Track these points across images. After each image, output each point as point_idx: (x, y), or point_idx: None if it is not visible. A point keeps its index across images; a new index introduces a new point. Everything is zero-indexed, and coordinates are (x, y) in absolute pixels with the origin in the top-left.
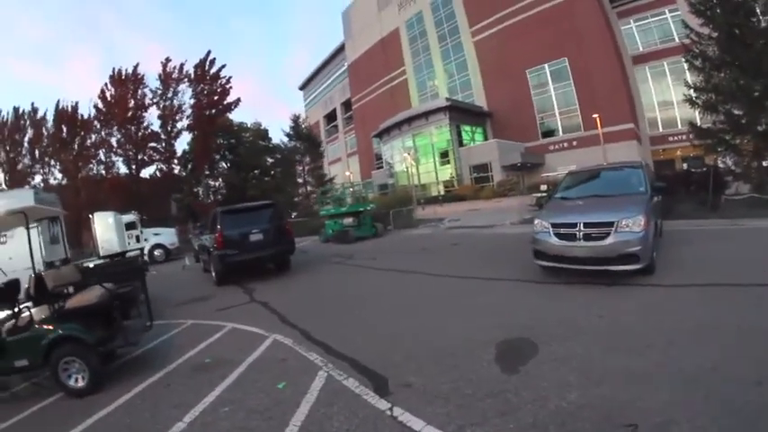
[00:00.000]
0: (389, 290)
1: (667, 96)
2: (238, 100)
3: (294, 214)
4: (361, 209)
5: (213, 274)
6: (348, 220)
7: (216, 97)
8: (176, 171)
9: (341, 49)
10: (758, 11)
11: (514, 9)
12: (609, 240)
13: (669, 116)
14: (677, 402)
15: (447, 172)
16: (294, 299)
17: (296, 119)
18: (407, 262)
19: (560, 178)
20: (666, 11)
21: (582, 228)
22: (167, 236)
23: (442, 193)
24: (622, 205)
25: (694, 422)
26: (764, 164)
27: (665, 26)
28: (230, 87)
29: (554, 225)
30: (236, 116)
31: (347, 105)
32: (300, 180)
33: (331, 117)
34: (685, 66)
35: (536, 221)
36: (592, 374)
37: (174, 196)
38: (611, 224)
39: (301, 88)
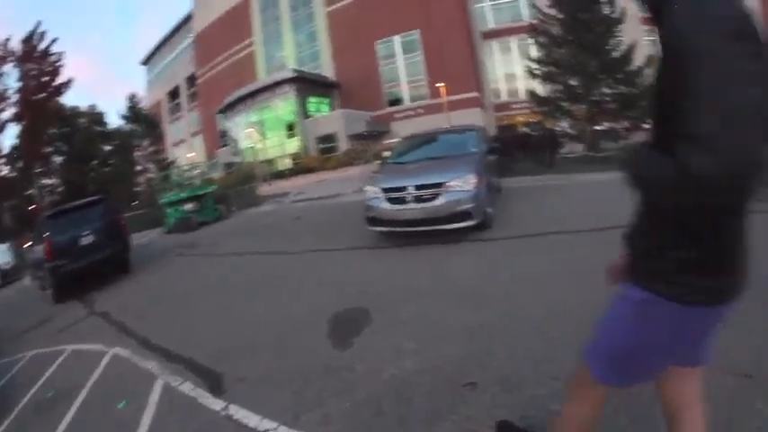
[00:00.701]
0: (229, 276)
1: (512, 69)
2: (71, 80)
3: (137, 204)
4: (201, 192)
5: (49, 290)
6: (189, 206)
7: (46, 78)
8: (3, 173)
9: (189, 19)
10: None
11: None
12: (439, 200)
13: (513, 87)
14: (519, 354)
15: (294, 145)
16: (134, 303)
17: (132, 98)
18: (249, 243)
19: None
20: None
21: (412, 190)
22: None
23: (290, 166)
24: (453, 166)
25: (537, 371)
26: (596, 127)
27: (516, 7)
28: (62, 66)
29: (385, 190)
30: (69, 100)
31: (192, 81)
32: (140, 167)
33: (174, 94)
34: (531, 42)
35: (367, 188)
36: (429, 336)
37: (7, 204)
38: (440, 185)
39: (144, 63)
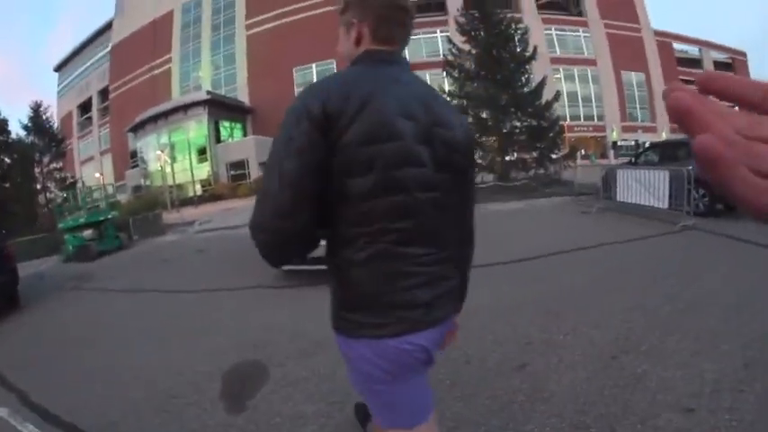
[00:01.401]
0: (122, 319)
1: None
2: None
3: (36, 227)
4: (102, 218)
5: None
6: (88, 233)
7: None
8: None
9: (108, 27)
10: (516, 38)
11: (297, 7)
12: None
13: None
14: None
15: (204, 170)
16: (19, 348)
17: (37, 107)
18: (147, 279)
19: None
20: (438, 31)
21: None
22: None
23: (199, 193)
24: None
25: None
26: (507, 158)
27: (434, 43)
28: None
29: None
30: None
31: (105, 94)
32: (40, 185)
33: (86, 107)
34: (444, 77)
35: None
36: (332, 396)
37: None
38: None
39: (57, 69)
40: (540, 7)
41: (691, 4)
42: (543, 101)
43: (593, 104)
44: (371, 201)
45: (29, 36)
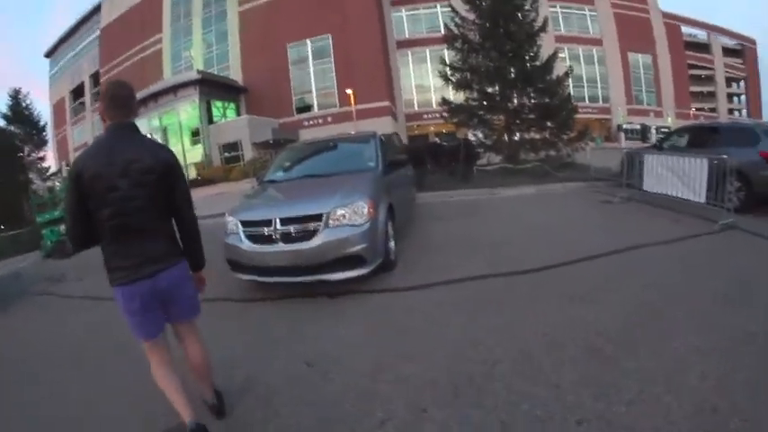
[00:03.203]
0: (71, 337)
1: (425, 80)
2: None
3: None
4: None
5: None
6: (65, 227)
7: None
8: None
9: (98, 9)
10: (526, 7)
11: None
12: (317, 240)
13: (426, 97)
14: None
15: (197, 153)
16: None
17: (15, 94)
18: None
19: None
20: (438, 5)
21: (278, 225)
22: None
23: (192, 177)
24: (339, 188)
25: None
26: (515, 138)
27: (434, 18)
28: None
29: (244, 223)
30: None
31: (97, 78)
32: (23, 177)
33: (79, 92)
34: (446, 53)
35: (228, 218)
36: None
37: None
38: (318, 217)
39: (47, 55)
40: None
41: None
42: (554, 76)
43: (599, 86)
44: (99, 211)
45: (19, 23)
